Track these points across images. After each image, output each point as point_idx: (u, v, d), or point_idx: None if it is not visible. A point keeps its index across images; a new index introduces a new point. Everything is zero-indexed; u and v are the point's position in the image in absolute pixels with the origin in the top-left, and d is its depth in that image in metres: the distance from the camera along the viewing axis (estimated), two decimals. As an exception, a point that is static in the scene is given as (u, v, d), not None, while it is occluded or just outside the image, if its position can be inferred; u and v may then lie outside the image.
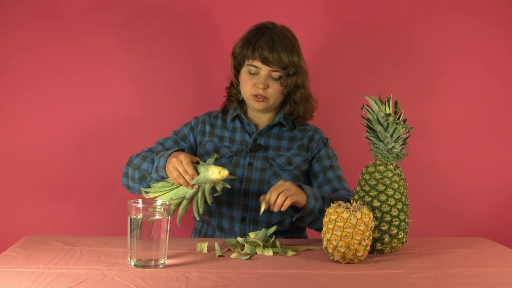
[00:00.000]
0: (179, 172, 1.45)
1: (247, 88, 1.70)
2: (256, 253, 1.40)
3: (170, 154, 1.52)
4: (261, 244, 1.41)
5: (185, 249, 1.44)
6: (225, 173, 1.42)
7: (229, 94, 1.80)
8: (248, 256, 1.37)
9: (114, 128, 2.12)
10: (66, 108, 2.10)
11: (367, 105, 1.43)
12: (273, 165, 1.69)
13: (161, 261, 1.28)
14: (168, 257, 1.33)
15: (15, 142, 2.08)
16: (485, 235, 1.75)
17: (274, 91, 1.69)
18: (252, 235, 1.45)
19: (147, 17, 2.12)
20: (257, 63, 1.67)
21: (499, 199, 2.23)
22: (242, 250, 1.42)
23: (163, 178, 1.54)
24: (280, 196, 1.45)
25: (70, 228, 2.10)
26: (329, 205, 1.37)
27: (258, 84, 1.67)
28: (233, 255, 1.38)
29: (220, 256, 1.37)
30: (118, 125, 2.12)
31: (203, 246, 1.43)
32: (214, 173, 1.42)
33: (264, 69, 1.67)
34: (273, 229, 1.48)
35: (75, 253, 1.37)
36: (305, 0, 2.15)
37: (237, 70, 1.76)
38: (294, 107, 1.76)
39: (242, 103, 1.80)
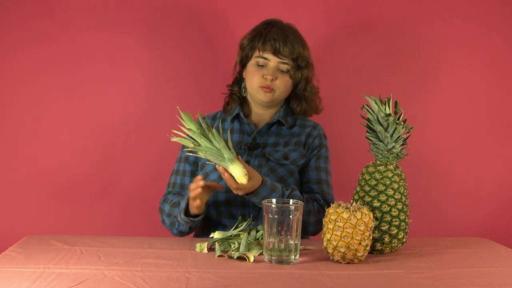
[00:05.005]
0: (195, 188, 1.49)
1: (255, 80, 1.70)
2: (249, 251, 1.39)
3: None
4: (253, 243, 1.41)
5: (185, 249, 1.44)
6: (243, 181, 1.42)
7: (231, 91, 1.80)
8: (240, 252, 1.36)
9: (115, 128, 2.12)
10: (66, 108, 2.10)
11: (367, 105, 1.43)
12: (270, 160, 1.69)
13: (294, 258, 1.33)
14: (168, 257, 1.34)
15: (14, 142, 2.08)
16: (485, 235, 1.75)
17: (281, 84, 1.70)
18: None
19: (148, 17, 2.11)
20: (267, 55, 1.68)
21: (499, 199, 2.23)
22: (233, 245, 1.41)
23: (186, 222, 1.58)
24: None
25: (70, 228, 2.10)
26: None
27: (267, 75, 1.68)
28: (229, 253, 1.37)
29: (220, 256, 1.37)
30: (118, 125, 2.12)
31: (203, 246, 1.43)
32: (239, 176, 1.42)
33: (273, 61, 1.68)
34: (260, 233, 1.48)
35: (75, 253, 1.37)
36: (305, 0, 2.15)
37: (243, 64, 1.77)
38: (303, 103, 1.77)
39: (243, 103, 1.80)
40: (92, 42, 2.09)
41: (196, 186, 1.48)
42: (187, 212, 1.58)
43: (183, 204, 1.57)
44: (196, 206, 1.52)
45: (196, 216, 1.58)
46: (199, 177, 1.50)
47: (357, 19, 2.18)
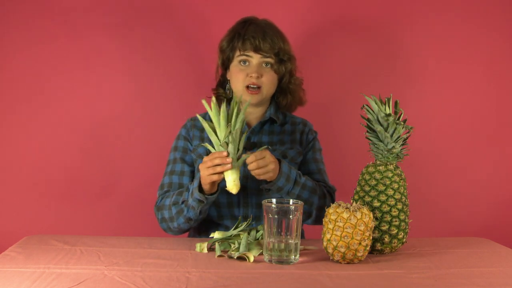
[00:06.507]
0: (211, 166, 1.43)
1: (239, 80, 1.67)
2: (249, 252, 1.39)
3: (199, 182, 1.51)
4: (253, 243, 1.41)
5: (185, 249, 1.44)
6: (233, 190, 1.43)
7: (217, 94, 1.78)
8: (240, 252, 1.36)
9: (114, 128, 2.12)
10: (66, 107, 2.10)
11: (367, 105, 1.43)
12: None
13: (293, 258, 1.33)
14: (168, 257, 1.34)
15: (14, 141, 2.08)
16: (485, 235, 1.75)
17: (268, 80, 1.68)
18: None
19: (148, 17, 2.12)
20: (249, 53, 1.67)
21: (499, 199, 2.23)
22: (233, 245, 1.41)
23: (199, 202, 1.51)
24: (256, 171, 1.47)
25: (70, 228, 2.10)
26: (303, 192, 1.51)
27: (251, 73, 1.65)
28: (229, 253, 1.37)
29: (220, 256, 1.37)
30: (118, 125, 2.12)
31: (203, 246, 1.43)
32: (232, 187, 1.43)
33: (256, 58, 1.67)
34: (260, 233, 1.48)
35: (75, 253, 1.37)
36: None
37: (225, 67, 1.75)
38: (288, 96, 1.76)
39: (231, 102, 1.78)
40: (92, 42, 2.09)
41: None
42: (201, 190, 1.51)
43: (195, 184, 1.51)
44: (209, 182, 1.47)
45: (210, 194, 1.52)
46: (225, 153, 1.42)
47: (358, 19, 2.18)
